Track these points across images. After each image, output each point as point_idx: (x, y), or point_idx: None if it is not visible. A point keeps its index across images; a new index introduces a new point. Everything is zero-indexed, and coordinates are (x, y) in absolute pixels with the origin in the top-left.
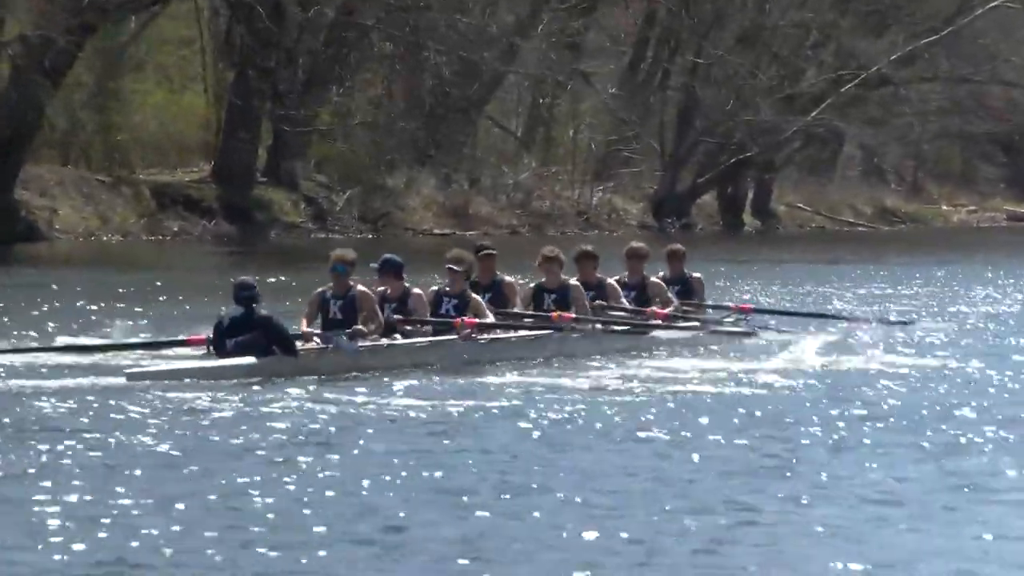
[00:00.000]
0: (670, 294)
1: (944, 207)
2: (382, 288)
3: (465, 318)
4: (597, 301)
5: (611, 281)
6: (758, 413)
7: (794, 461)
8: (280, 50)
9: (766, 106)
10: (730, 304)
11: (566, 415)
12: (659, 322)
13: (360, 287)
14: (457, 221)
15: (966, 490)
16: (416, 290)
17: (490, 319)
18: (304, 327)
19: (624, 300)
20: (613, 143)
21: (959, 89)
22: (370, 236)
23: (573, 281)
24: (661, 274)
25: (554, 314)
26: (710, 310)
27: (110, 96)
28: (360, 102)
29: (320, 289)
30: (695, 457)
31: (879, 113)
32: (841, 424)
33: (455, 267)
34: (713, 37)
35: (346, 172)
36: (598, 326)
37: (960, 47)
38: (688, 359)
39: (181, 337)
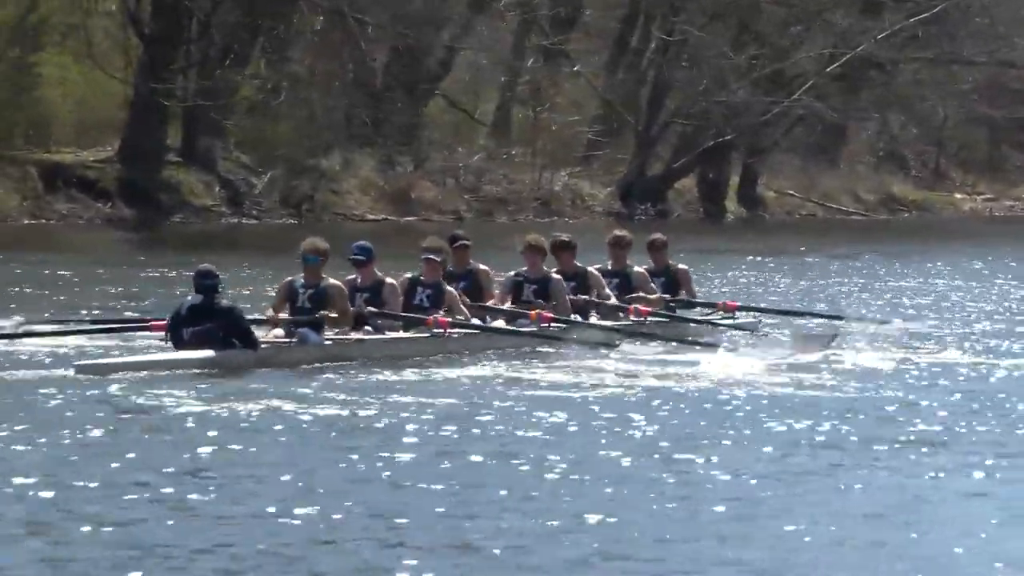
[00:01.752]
0: (654, 285)
1: (958, 195)
2: (352, 277)
3: (439, 316)
4: (579, 295)
5: (593, 270)
6: (740, 414)
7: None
8: (194, 18)
9: (747, 86)
10: (715, 302)
11: (541, 413)
12: (639, 319)
13: (332, 280)
14: (397, 206)
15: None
16: (390, 280)
17: (463, 314)
18: (270, 313)
19: (608, 290)
20: (577, 124)
21: (981, 72)
22: (292, 222)
23: (555, 274)
24: (644, 267)
25: (532, 313)
26: (698, 308)
27: (20, 71)
28: (294, 77)
29: (290, 278)
30: (676, 458)
31: (891, 96)
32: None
33: (434, 256)
34: (689, 12)
35: (271, 153)
36: (577, 321)
37: (960, 27)
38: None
39: (141, 321)
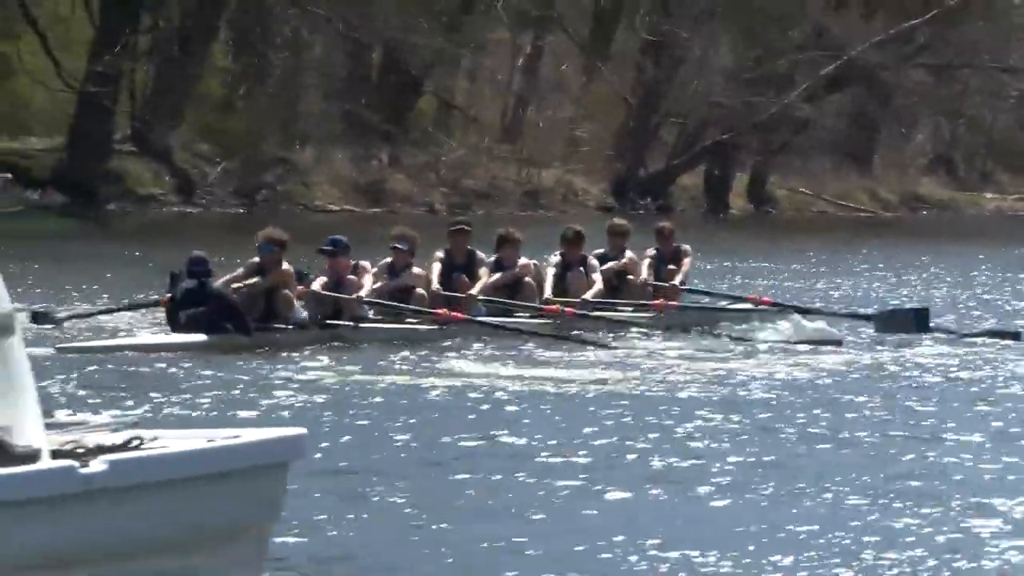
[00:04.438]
0: (645, 273)
1: (988, 195)
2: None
3: (451, 312)
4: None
5: (593, 260)
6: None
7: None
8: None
9: (740, 88)
10: (751, 295)
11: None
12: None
13: (286, 266)
14: (369, 198)
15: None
16: (364, 263)
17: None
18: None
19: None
20: (573, 121)
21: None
22: (241, 211)
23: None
24: (652, 251)
25: (555, 307)
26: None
27: None
28: (263, 71)
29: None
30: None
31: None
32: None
33: (399, 245)
34: (677, 15)
35: (234, 145)
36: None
37: (959, 34)
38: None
39: (155, 297)
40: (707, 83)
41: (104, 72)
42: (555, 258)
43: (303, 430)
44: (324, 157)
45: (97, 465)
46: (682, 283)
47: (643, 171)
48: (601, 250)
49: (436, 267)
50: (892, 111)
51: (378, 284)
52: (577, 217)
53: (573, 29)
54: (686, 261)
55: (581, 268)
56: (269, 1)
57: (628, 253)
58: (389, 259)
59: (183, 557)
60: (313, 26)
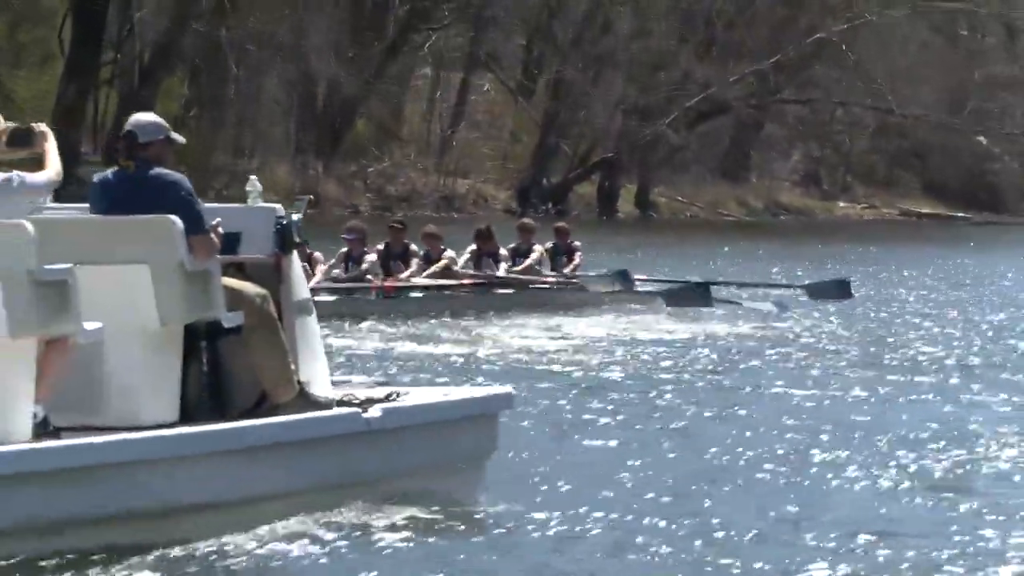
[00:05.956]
0: (545, 257)
1: (841, 203)
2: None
3: (384, 283)
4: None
5: (504, 251)
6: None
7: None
8: (116, 34)
9: (618, 116)
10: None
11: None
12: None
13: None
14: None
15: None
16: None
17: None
18: None
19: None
20: (485, 139)
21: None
22: None
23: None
24: (550, 244)
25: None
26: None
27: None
28: (217, 98)
29: None
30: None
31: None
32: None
33: (347, 236)
34: (573, 57)
35: (188, 157)
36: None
37: (810, 75)
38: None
39: None
40: (597, 113)
41: (73, 94)
42: (470, 249)
43: (511, 388)
44: (266, 167)
45: (373, 412)
46: (574, 270)
47: (546, 182)
48: (512, 244)
49: (373, 257)
50: (764, 137)
51: (413, 270)
52: (485, 218)
53: (499, 69)
54: (577, 255)
55: (491, 259)
56: (221, 41)
57: (536, 247)
58: (345, 248)
59: (426, 480)
60: (260, 65)
